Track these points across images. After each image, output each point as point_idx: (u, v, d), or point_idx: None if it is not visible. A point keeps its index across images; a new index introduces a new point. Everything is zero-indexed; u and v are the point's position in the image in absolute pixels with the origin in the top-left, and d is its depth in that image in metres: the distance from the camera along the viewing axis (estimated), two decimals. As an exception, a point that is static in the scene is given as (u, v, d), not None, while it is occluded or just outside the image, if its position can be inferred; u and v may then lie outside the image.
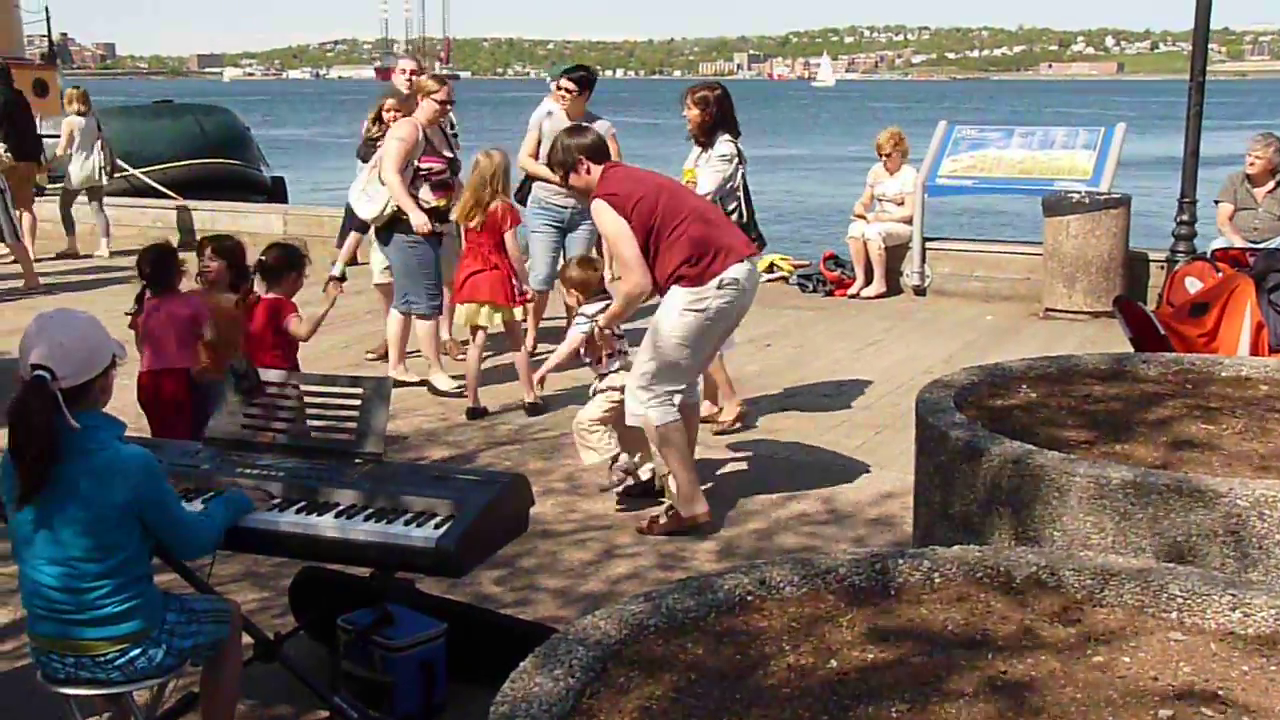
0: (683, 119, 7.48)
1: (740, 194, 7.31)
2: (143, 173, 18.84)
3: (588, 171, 5.85)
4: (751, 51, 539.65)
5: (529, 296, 8.25)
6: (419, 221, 7.95)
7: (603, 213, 5.68)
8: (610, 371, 6.23)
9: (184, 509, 3.64)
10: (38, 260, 13.25)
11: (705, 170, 7.23)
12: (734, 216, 7.17)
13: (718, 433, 7.41)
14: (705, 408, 7.55)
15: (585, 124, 6.93)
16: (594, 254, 8.84)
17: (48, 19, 26.38)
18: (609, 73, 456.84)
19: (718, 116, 7.27)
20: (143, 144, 20.49)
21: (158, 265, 5.77)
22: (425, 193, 8.11)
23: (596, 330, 6.12)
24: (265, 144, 26.53)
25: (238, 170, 21.73)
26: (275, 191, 22.61)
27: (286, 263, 6.24)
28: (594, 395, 6.27)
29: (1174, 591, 2.81)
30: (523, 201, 9.47)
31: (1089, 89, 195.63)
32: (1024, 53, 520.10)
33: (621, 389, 5.99)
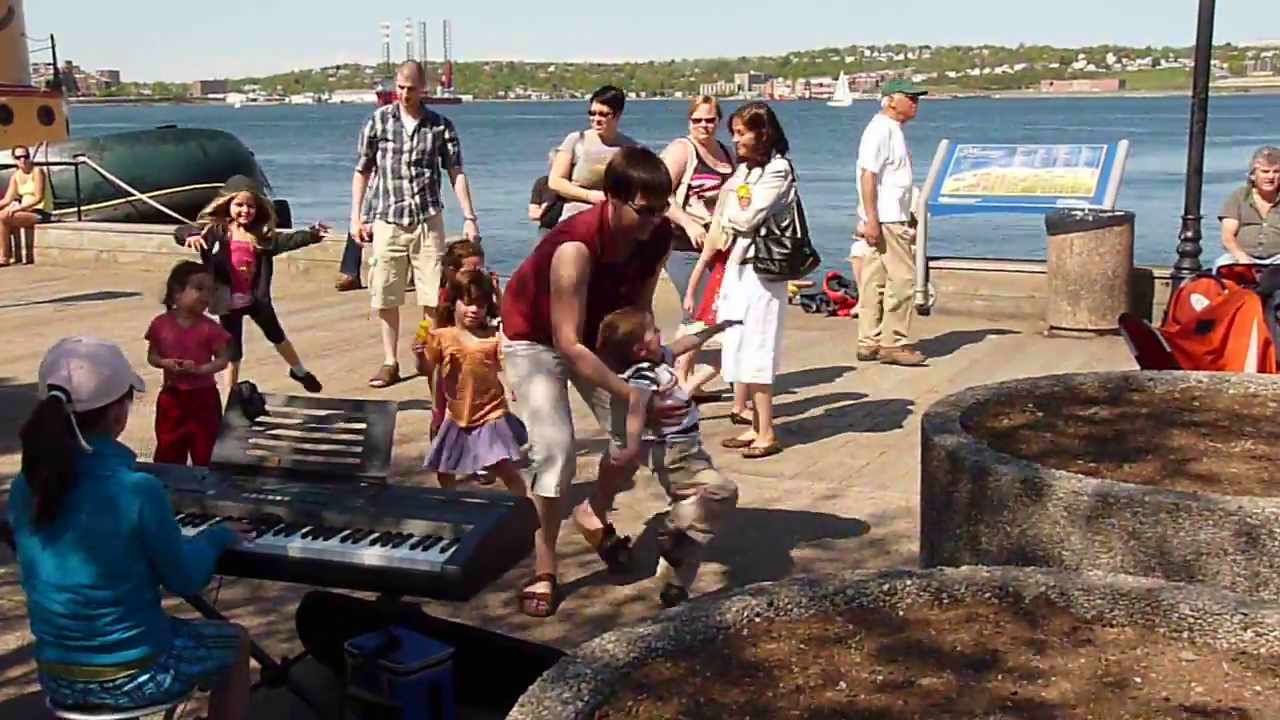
0: (732, 143, 7.46)
1: (794, 210, 7.30)
2: (149, 198, 18.93)
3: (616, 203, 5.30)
4: (752, 72, 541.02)
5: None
6: (696, 233, 7.89)
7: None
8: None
9: (184, 544, 3.63)
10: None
11: (761, 188, 7.20)
12: (788, 233, 7.20)
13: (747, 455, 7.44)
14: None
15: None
16: None
17: (53, 47, 26.49)
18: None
19: (772, 135, 7.27)
20: (146, 169, 20.59)
21: None
22: (699, 208, 8.08)
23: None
24: (271, 169, 26.60)
25: (241, 195, 21.74)
26: (278, 215, 22.64)
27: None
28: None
29: (1185, 611, 2.80)
30: (551, 224, 9.45)
31: (1091, 106, 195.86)
32: (1025, 71, 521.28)
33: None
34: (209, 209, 7.69)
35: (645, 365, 5.08)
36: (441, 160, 9.25)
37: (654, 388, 5.02)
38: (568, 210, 9.06)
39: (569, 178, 8.97)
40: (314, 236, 8.49)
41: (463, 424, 5.92)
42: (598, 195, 8.72)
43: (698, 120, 8.17)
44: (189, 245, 7.72)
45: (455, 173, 9.37)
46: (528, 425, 5.35)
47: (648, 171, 5.06)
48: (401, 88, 9.11)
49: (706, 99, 8.54)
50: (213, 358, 6.25)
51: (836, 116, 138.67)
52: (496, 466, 6.06)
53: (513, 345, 5.31)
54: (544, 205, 13.02)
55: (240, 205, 7.60)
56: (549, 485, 5.26)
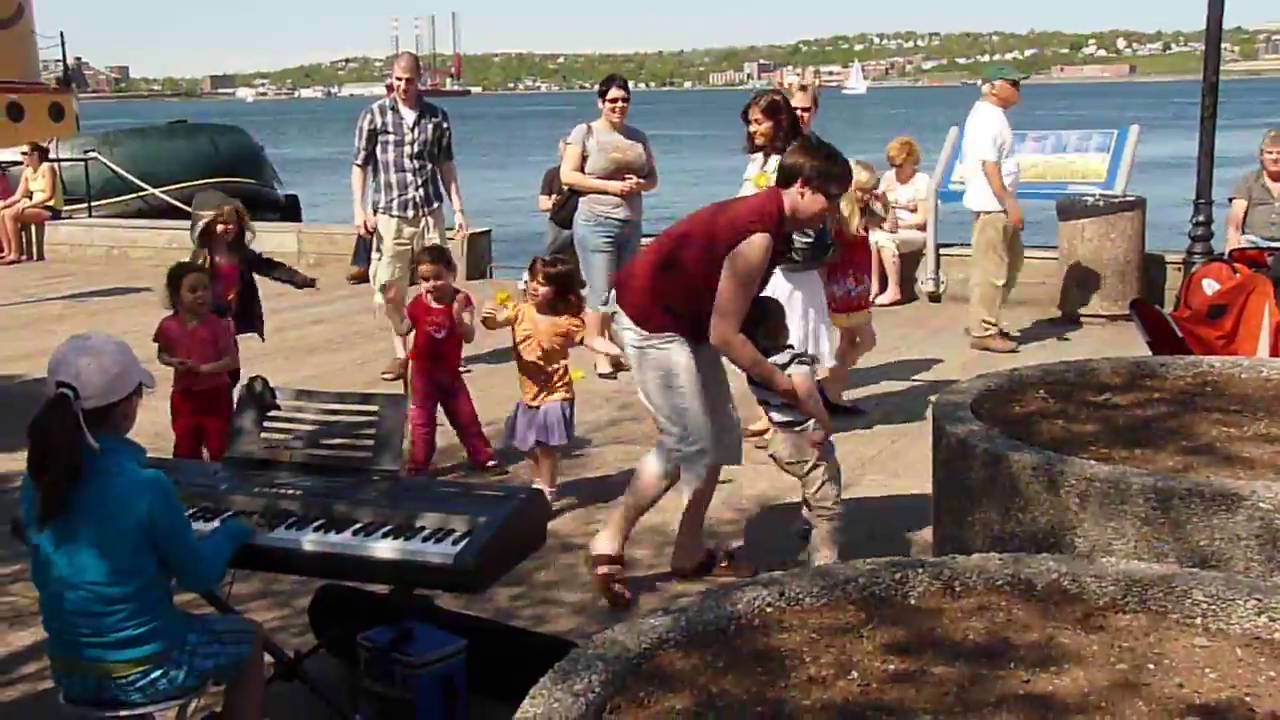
0: (744, 130, 7.37)
1: None
2: (160, 192, 18.99)
3: (800, 194, 5.14)
4: (762, 61, 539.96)
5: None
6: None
7: None
8: None
9: (195, 540, 3.63)
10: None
11: None
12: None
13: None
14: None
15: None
16: None
17: (63, 44, 26.52)
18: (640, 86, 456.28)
19: (790, 120, 7.19)
20: (157, 164, 20.64)
21: None
22: None
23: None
24: (281, 163, 26.63)
25: (251, 189, 21.81)
26: (289, 210, 22.71)
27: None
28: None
29: (1198, 597, 2.79)
30: (566, 222, 9.42)
31: (1102, 91, 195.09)
32: (1035, 56, 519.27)
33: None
34: (196, 239, 6.98)
35: (792, 348, 5.27)
36: (435, 150, 9.18)
37: (816, 364, 5.33)
38: (583, 204, 9.04)
39: (581, 170, 8.94)
40: (306, 282, 7.66)
41: (528, 401, 6.32)
42: (616, 185, 8.77)
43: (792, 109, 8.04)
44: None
45: (447, 166, 9.33)
46: (673, 419, 5.22)
47: (840, 165, 5.18)
48: (400, 79, 9.03)
49: (803, 87, 8.34)
50: (221, 355, 6.28)
51: (852, 104, 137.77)
52: (540, 447, 6.31)
53: (652, 339, 5.17)
54: (555, 198, 13.05)
55: (224, 224, 6.91)
56: (701, 474, 5.33)
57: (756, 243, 4.94)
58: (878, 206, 7.84)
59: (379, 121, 9.03)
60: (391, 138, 9.01)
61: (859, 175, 7.25)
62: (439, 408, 6.93)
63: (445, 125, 9.24)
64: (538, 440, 6.29)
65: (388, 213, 9.10)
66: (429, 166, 9.12)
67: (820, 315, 7.25)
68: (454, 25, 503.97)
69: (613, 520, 5.45)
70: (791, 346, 5.31)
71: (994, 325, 9.99)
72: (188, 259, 6.78)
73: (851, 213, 7.58)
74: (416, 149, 9.03)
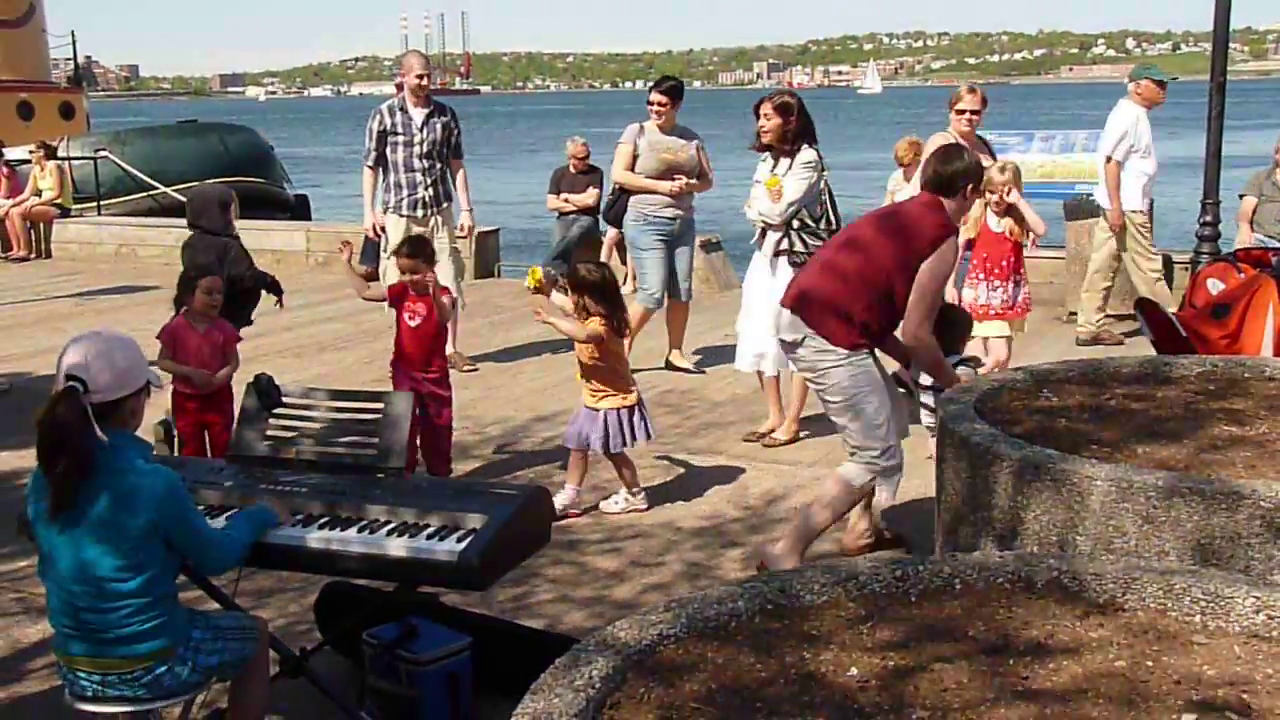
0: (754, 128, 7.32)
1: (827, 201, 7.24)
2: (172, 191, 19.07)
3: (964, 197, 5.47)
4: (771, 61, 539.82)
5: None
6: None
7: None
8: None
9: (208, 525, 3.67)
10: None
11: (792, 179, 7.05)
12: (821, 224, 7.11)
13: (767, 445, 7.47)
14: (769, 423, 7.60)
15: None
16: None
17: (73, 43, 26.63)
18: (629, 85, 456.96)
19: (801, 123, 7.16)
20: (167, 163, 20.72)
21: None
22: None
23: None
24: (290, 163, 26.70)
25: (261, 188, 21.89)
26: (298, 209, 22.78)
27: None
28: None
29: (1197, 594, 2.80)
30: (617, 220, 9.43)
31: (1111, 91, 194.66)
32: (1044, 56, 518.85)
33: None
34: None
35: (959, 353, 5.72)
36: (444, 149, 9.18)
37: (980, 367, 5.78)
38: (632, 203, 9.04)
39: (632, 169, 8.94)
40: (271, 287, 7.39)
41: (586, 404, 6.34)
42: (666, 185, 8.79)
43: (961, 111, 8.00)
44: None
45: (456, 165, 9.32)
46: (871, 435, 5.33)
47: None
48: (417, 76, 9.02)
49: (972, 89, 8.33)
50: (227, 361, 6.32)
51: (869, 104, 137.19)
52: (579, 452, 6.33)
53: (852, 357, 5.29)
54: (562, 197, 13.06)
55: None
56: (895, 491, 5.55)
57: (953, 245, 5.29)
58: (1024, 207, 7.49)
59: (388, 122, 9.04)
60: (400, 138, 9.01)
61: (993, 174, 7.28)
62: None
63: (454, 124, 9.24)
64: (588, 442, 6.27)
65: (397, 212, 9.10)
66: (438, 166, 9.12)
67: None
68: (463, 24, 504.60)
69: (795, 533, 5.49)
70: (959, 352, 5.76)
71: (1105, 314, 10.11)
72: (186, 268, 6.73)
73: (984, 213, 7.49)
74: (425, 148, 9.03)
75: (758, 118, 7.27)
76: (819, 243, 7.02)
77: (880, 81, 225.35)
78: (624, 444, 6.27)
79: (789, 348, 5.49)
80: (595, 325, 6.11)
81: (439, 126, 9.09)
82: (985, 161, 7.53)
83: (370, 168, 9.19)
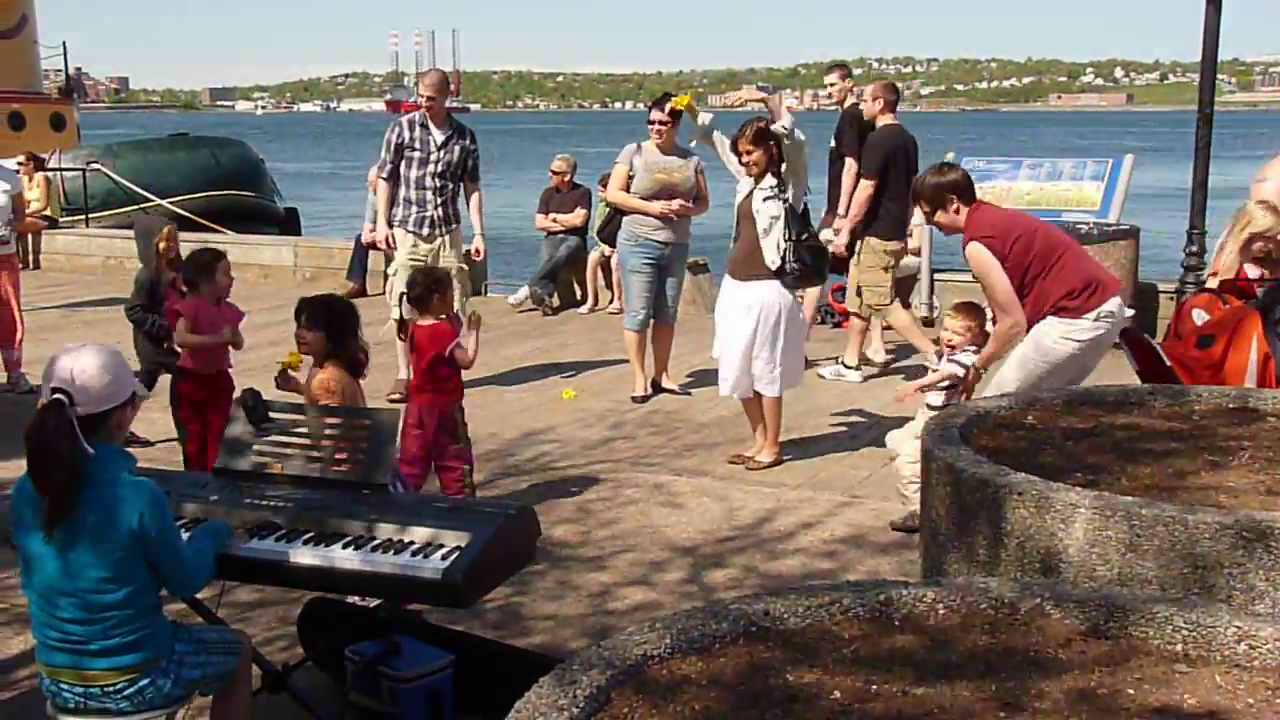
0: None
1: (807, 220, 7.32)
2: (164, 204, 19.08)
3: (956, 211, 6.03)
4: (760, 83, 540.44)
5: None
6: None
7: (978, 254, 5.88)
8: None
9: (185, 546, 3.65)
10: None
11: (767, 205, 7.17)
12: (809, 240, 7.20)
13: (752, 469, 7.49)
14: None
15: (947, 164, 6.66)
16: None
17: (65, 54, 26.62)
18: (618, 105, 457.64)
19: (777, 149, 7.18)
20: (158, 176, 20.73)
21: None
22: None
23: (973, 372, 6.23)
24: (279, 177, 26.69)
25: (251, 202, 21.90)
26: (288, 222, 22.79)
27: (430, 287, 6.23)
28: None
29: (1179, 623, 2.81)
30: (611, 239, 9.40)
31: (1098, 120, 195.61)
32: (1033, 84, 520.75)
33: None
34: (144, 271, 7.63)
35: None
36: (460, 172, 9.09)
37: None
38: (625, 224, 9.03)
39: (627, 190, 8.91)
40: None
41: None
42: (656, 206, 8.75)
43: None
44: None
45: (471, 188, 9.22)
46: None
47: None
48: (428, 99, 8.91)
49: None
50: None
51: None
52: None
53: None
54: (550, 216, 13.09)
55: (167, 241, 7.52)
56: None
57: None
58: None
59: (406, 136, 8.93)
60: (417, 154, 8.91)
61: (1263, 220, 6.49)
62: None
63: (473, 147, 9.15)
64: None
65: (404, 227, 9.00)
66: (451, 187, 9.03)
67: (799, 333, 7.34)
68: (454, 42, 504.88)
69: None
70: None
71: None
72: (200, 252, 6.87)
73: (1237, 258, 6.92)
74: (440, 168, 8.94)
75: (737, 153, 7.28)
76: (814, 257, 7.09)
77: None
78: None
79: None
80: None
81: (457, 149, 9.01)
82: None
83: (385, 179, 9.04)
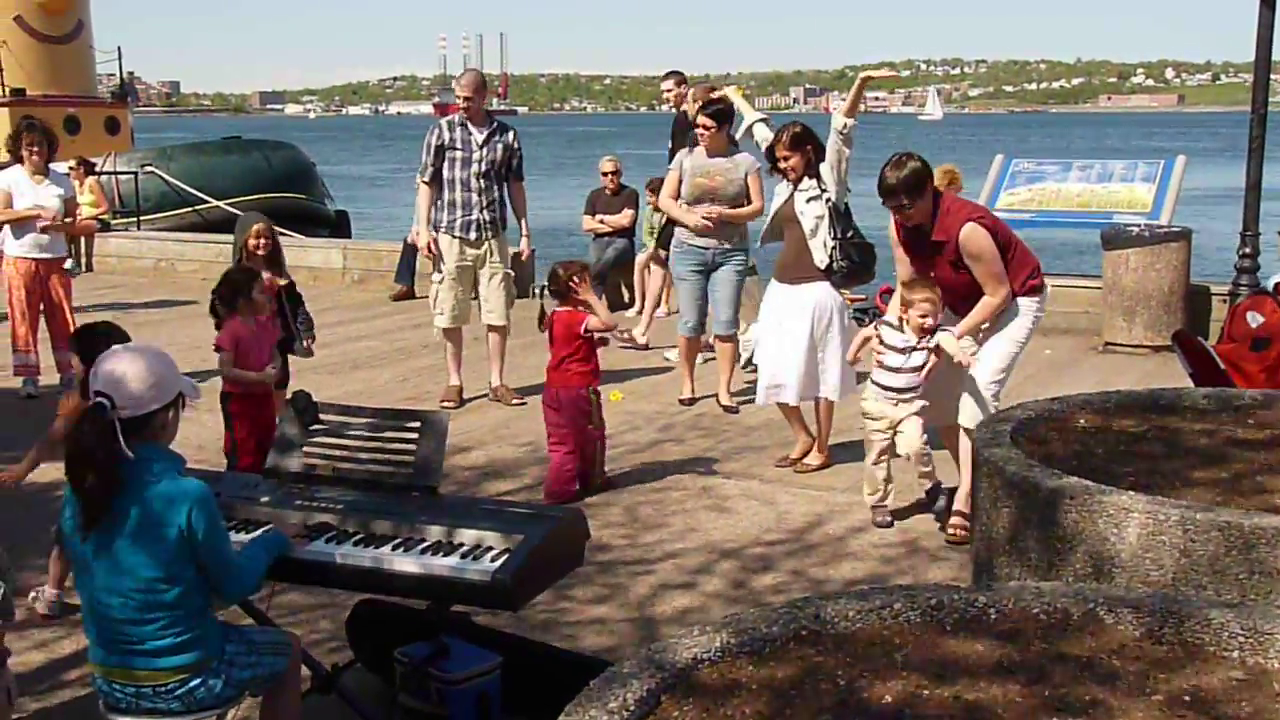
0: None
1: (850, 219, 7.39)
2: (219, 205, 19.29)
3: (930, 198, 6.19)
4: (808, 85, 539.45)
5: None
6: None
7: (977, 234, 6.08)
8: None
9: (233, 550, 3.67)
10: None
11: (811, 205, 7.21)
12: (855, 238, 7.27)
13: (799, 471, 7.48)
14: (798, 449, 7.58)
15: (905, 154, 6.46)
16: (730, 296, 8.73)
17: (119, 58, 26.94)
18: (665, 107, 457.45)
19: (816, 151, 7.21)
20: (212, 179, 20.97)
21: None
22: None
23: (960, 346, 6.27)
24: (330, 180, 26.92)
25: (303, 204, 22.10)
26: (339, 225, 22.97)
27: (563, 278, 6.98)
28: (910, 417, 6.37)
29: (1235, 629, 2.78)
30: (666, 244, 9.35)
31: (1149, 121, 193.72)
32: (1083, 85, 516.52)
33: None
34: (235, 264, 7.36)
35: None
36: (504, 171, 8.90)
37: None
38: (676, 229, 8.92)
39: (678, 195, 8.72)
40: (304, 351, 7.67)
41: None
42: (691, 219, 8.61)
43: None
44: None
45: (516, 186, 9.02)
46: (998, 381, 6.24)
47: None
48: (465, 99, 8.74)
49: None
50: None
51: (931, 131, 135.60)
52: None
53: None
54: (597, 218, 13.10)
55: (257, 239, 7.34)
56: None
57: None
58: None
59: (446, 137, 8.72)
60: (459, 155, 8.71)
61: None
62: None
63: (516, 145, 8.94)
64: None
65: (449, 232, 8.80)
66: (495, 187, 8.85)
67: (843, 337, 7.35)
68: (502, 45, 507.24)
69: (962, 496, 6.18)
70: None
71: None
72: (235, 271, 6.87)
73: None
74: (484, 168, 8.73)
75: (774, 160, 7.28)
76: (861, 254, 7.12)
77: (941, 108, 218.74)
78: None
79: None
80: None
81: (499, 146, 8.79)
82: None
83: (426, 183, 8.82)
